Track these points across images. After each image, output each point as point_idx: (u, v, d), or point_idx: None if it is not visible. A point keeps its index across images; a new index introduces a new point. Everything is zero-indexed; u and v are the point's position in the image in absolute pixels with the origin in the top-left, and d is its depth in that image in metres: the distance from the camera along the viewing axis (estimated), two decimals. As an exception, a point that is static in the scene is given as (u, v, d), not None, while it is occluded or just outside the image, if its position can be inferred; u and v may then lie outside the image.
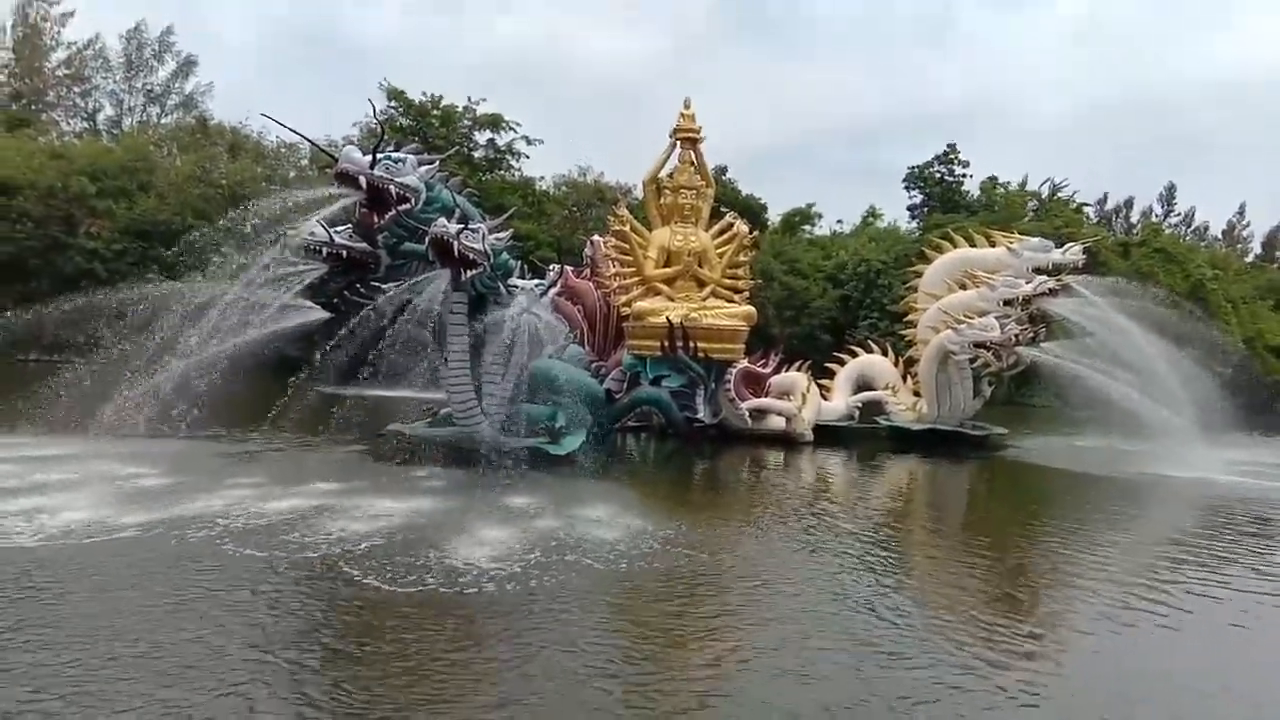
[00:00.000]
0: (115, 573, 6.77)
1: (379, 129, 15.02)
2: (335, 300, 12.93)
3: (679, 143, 20.60)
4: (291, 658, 5.30)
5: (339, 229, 12.58)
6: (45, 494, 9.11)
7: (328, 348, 11.86)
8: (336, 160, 12.59)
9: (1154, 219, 68.94)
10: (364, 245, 12.70)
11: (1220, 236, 72.69)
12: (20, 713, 4.39)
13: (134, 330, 11.80)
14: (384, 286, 12.39)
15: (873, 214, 52.43)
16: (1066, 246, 19.24)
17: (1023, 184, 50.08)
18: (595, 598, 6.78)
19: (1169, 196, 72.09)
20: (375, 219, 12.48)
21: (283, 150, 40.18)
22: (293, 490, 10.07)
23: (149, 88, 50.64)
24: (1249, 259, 67.49)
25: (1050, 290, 18.21)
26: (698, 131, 20.49)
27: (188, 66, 51.15)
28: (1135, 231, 61.95)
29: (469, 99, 43.00)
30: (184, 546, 7.52)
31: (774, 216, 50.01)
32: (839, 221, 52.64)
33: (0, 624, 5.56)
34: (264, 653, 5.33)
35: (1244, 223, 75.31)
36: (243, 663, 5.15)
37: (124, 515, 8.44)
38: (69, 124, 48.13)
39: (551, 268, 22.28)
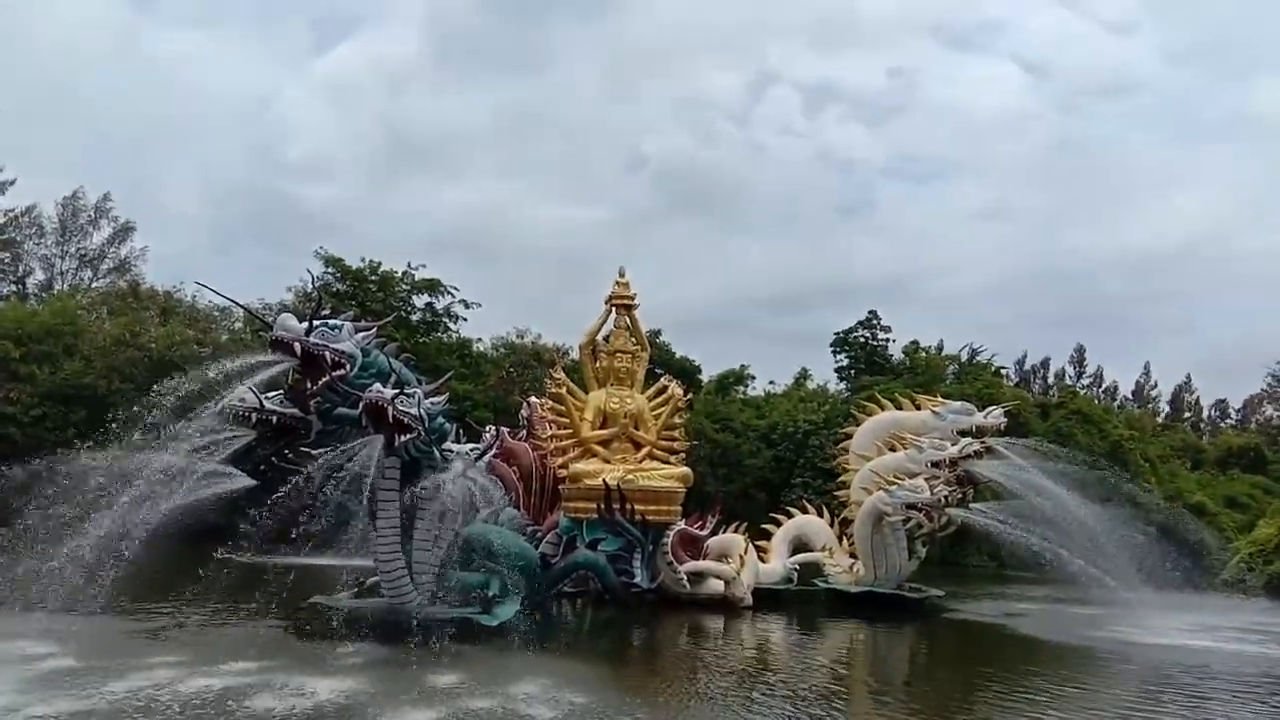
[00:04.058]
0: None
1: (315, 295, 15.15)
2: (262, 467, 12.63)
3: (614, 309, 21.13)
4: None
5: (270, 394, 12.44)
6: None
7: (253, 515, 11.51)
8: (270, 326, 12.60)
9: (1068, 379, 72.13)
10: (294, 410, 12.52)
11: (1130, 396, 76.11)
12: None
13: (49, 500, 11.31)
14: (314, 452, 12.16)
15: (804, 375, 53.72)
16: (988, 410, 19.87)
17: (940, 348, 52.15)
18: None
19: (1079, 358, 75.76)
20: (309, 384, 12.39)
21: (215, 314, 39.93)
22: (208, 670, 9.51)
23: (83, 252, 50.51)
24: (1160, 418, 70.51)
25: (975, 452, 18.67)
26: (632, 298, 21.08)
27: (124, 232, 51.27)
28: (1052, 390, 64.59)
29: (408, 264, 43.79)
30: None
31: (708, 377, 50.91)
32: (771, 382, 53.72)
33: None
34: None
35: (1151, 383, 79.26)
36: None
37: (42, 702, 7.89)
38: (-2, 287, 47.53)
39: (488, 429, 22.17)
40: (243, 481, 12.33)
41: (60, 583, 10.74)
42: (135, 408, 12.52)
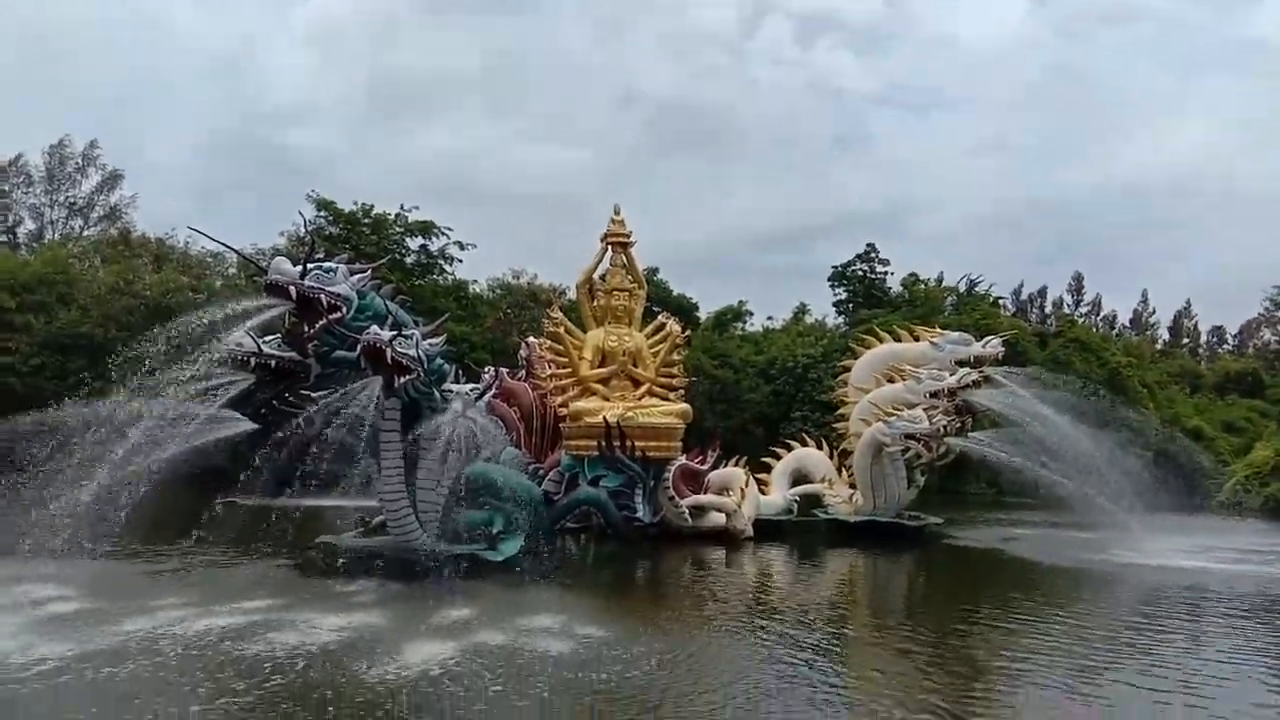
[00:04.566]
0: (70, 695, 6.50)
1: (308, 238, 15.00)
2: (263, 410, 12.66)
3: (610, 247, 20.98)
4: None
5: (268, 339, 12.41)
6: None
7: (255, 459, 11.57)
8: (265, 271, 12.52)
9: (1066, 308, 72.10)
10: (293, 354, 12.52)
11: (1129, 324, 76.17)
12: None
13: (54, 447, 11.34)
14: (314, 395, 12.20)
15: (802, 310, 53.69)
16: (986, 339, 19.93)
17: (939, 279, 52.01)
18: (545, 707, 6.58)
19: (1078, 286, 75.65)
20: (306, 328, 12.35)
21: (209, 260, 39.71)
22: (218, 609, 9.66)
23: (72, 201, 49.98)
24: (1158, 345, 70.69)
25: (974, 382, 18.76)
26: (628, 236, 20.92)
27: (112, 180, 50.71)
28: (1050, 320, 64.62)
29: (401, 207, 43.38)
30: (111, 672, 7.11)
31: (705, 314, 50.87)
32: (769, 318, 53.74)
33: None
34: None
35: (1149, 310, 79.27)
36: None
37: (47, 644, 7.96)
38: (-13, 237, 47.16)
39: (487, 370, 22.20)
40: (244, 425, 12.37)
41: (66, 528, 10.84)
42: (133, 355, 12.49)
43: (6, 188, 48.29)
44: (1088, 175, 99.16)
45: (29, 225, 49.28)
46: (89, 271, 36.46)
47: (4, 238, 47.69)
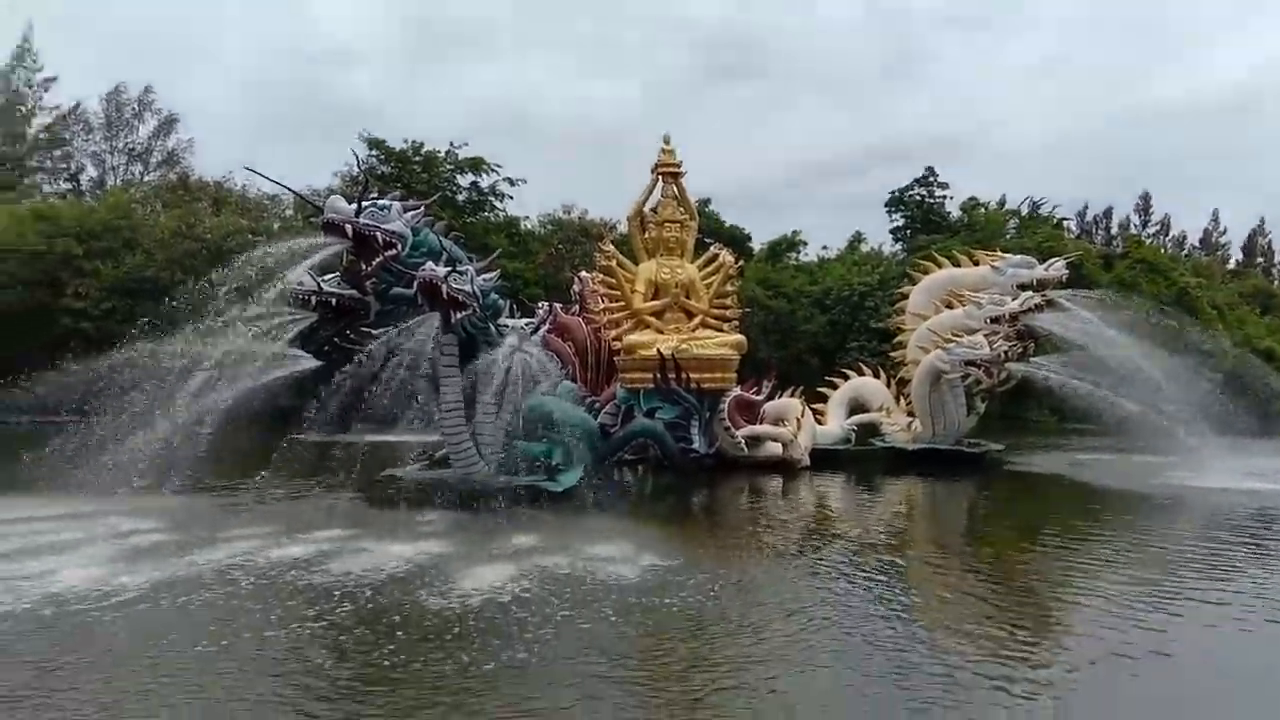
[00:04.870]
0: (141, 625, 6.77)
1: (361, 177, 15.10)
2: (326, 348, 12.93)
3: (661, 178, 20.72)
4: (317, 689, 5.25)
5: (327, 277, 12.61)
6: (48, 555, 8.95)
7: (321, 395, 11.84)
8: (321, 210, 12.66)
9: (1132, 229, 69.75)
10: (352, 292, 12.71)
11: (1198, 245, 73.49)
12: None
13: (126, 388, 11.74)
14: (374, 332, 12.40)
15: (858, 239, 52.81)
16: (1049, 262, 19.41)
17: (1001, 203, 50.58)
18: (615, 633, 6.73)
19: (1145, 207, 73.07)
20: (364, 266, 12.51)
21: (266, 202, 40.31)
22: (297, 538, 10.01)
23: (131, 147, 50.93)
24: (1229, 265, 68.20)
25: (1036, 306, 18.33)
26: (679, 166, 20.63)
27: (169, 124, 51.53)
28: (1115, 241, 62.62)
29: (451, 144, 43.36)
30: (198, 597, 7.45)
31: (758, 245, 50.30)
32: (824, 247, 52.98)
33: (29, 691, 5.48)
34: (291, 686, 5.30)
35: (1220, 230, 76.32)
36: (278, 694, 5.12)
37: (132, 573, 8.33)
38: (52, 185, 48.32)
39: (540, 305, 22.30)
40: (308, 363, 12.64)
41: (144, 465, 11.28)
42: (198, 296, 12.80)
43: (68, 136, 49.26)
44: (1156, 93, 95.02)
45: (91, 172, 50.48)
46: (151, 216, 37.27)
47: (69, 186, 48.86)
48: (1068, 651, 6.48)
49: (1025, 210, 49.04)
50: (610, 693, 5.56)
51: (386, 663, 6.00)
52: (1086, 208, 69.91)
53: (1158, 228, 72.44)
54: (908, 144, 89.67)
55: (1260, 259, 75.32)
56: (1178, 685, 5.94)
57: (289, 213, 38.50)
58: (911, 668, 5.99)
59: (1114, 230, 70.31)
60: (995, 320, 18.37)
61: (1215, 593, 8.25)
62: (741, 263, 23.43)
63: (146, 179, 49.08)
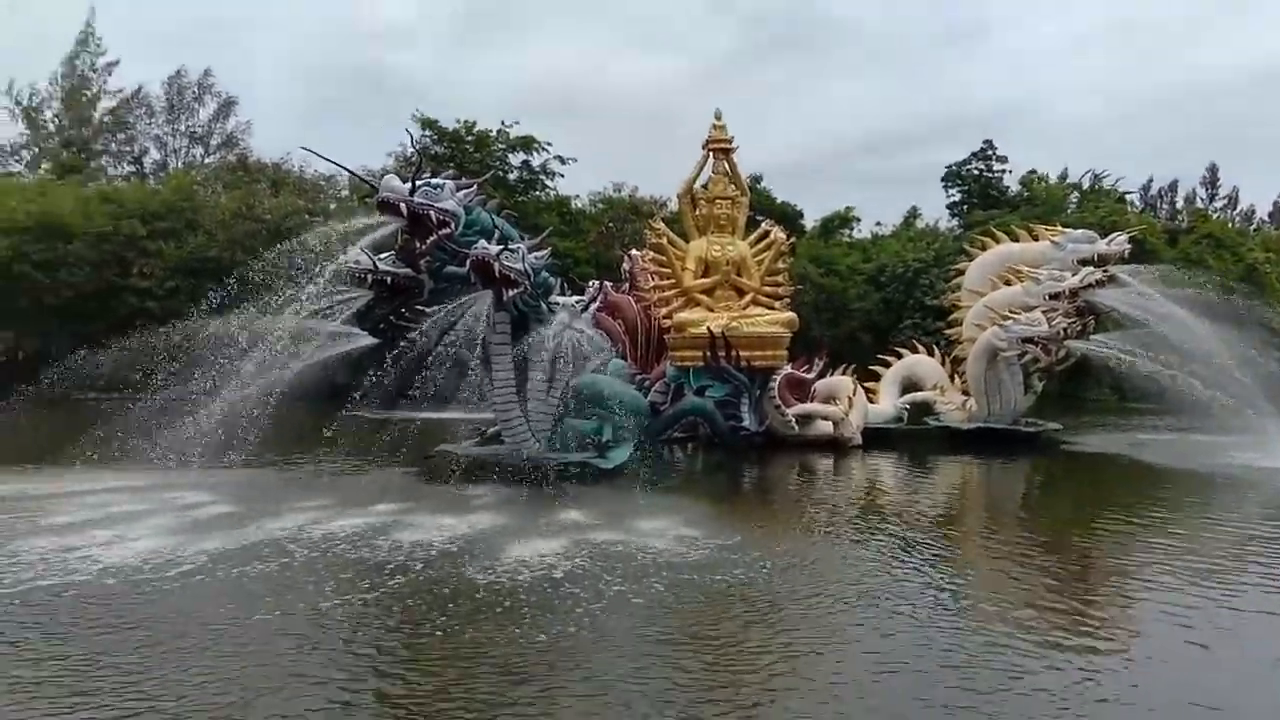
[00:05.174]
0: (207, 592, 7.02)
1: (415, 157, 15.26)
2: (381, 326, 13.15)
3: (712, 154, 20.58)
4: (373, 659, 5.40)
5: (382, 255, 12.80)
6: (114, 526, 9.29)
7: (376, 373, 12.06)
8: (376, 190, 12.84)
9: (1199, 203, 67.52)
10: (407, 270, 12.90)
11: (1268, 218, 70.86)
12: None
13: (188, 365, 12.09)
14: (428, 310, 12.57)
15: (913, 215, 51.93)
16: (1111, 237, 18.92)
17: (1063, 176, 49.32)
18: (666, 609, 6.78)
19: (1212, 179, 70.51)
20: (418, 244, 12.68)
21: (322, 183, 40.90)
22: (353, 511, 10.24)
23: (191, 129, 51.97)
24: (1302, 239, 65.72)
25: (1097, 282, 17.88)
26: (730, 142, 20.47)
27: (227, 107, 52.41)
28: (1180, 215, 60.68)
29: (502, 123, 43.54)
30: (243, 571, 7.65)
31: (811, 222, 49.78)
32: (878, 224, 52.19)
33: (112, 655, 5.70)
34: (347, 654, 5.46)
35: (1291, 202, 73.45)
36: (332, 664, 5.28)
37: (200, 541, 8.62)
38: (116, 168, 49.60)
39: (590, 284, 22.37)
40: (365, 340, 12.88)
41: (207, 439, 11.61)
42: (258, 275, 13.11)
43: (131, 120, 50.44)
44: (1223, 58, 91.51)
45: (154, 155, 51.58)
46: (212, 198, 38.06)
47: (133, 168, 50.09)
48: (1128, 634, 6.39)
49: (1087, 184, 47.74)
50: (661, 668, 5.62)
51: (439, 633, 6.13)
52: (1151, 181, 67.72)
53: (1225, 201, 69.99)
54: (966, 116, 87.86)
55: (1335, 233, 72.57)
56: (1242, 669, 5.81)
57: (345, 193, 39.04)
58: (966, 650, 5.96)
59: (1179, 204, 68.10)
60: (1054, 297, 17.94)
61: (1273, 577, 8.05)
62: (793, 240, 23.22)
63: (207, 161, 50.10)
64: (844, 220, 50.80)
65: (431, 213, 12.39)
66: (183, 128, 51.70)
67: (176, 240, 34.85)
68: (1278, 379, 17.35)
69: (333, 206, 36.27)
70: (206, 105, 52.24)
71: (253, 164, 43.08)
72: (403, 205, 12.29)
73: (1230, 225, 53.52)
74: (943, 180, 50.05)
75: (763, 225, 21.25)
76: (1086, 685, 5.32)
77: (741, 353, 17.69)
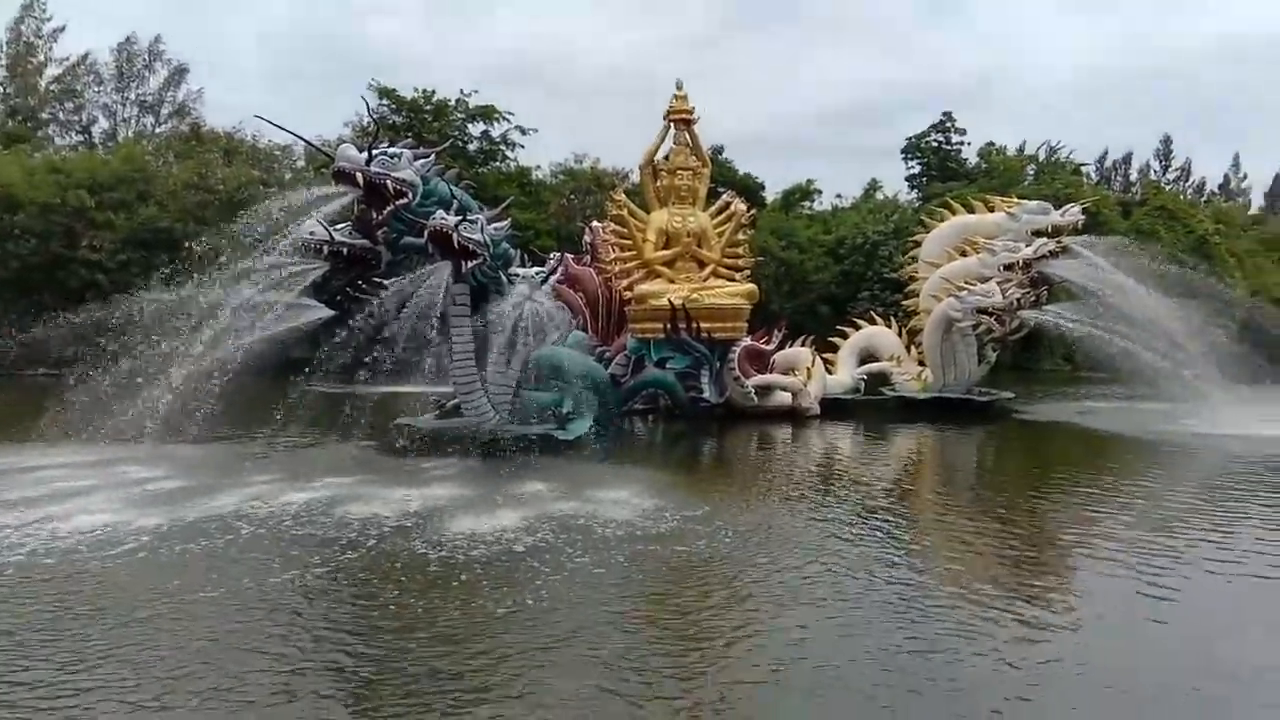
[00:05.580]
0: (156, 565, 6.95)
1: (372, 126, 15.03)
2: (338, 298, 12.99)
3: (673, 125, 20.53)
4: (325, 633, 5.41)
5: (339, 226, 12.62)
6: (62, 501, 9.12)
7: (332, 346, 11.92)
8: (332, 159, 12.64)
9: (1152, 174, 68.67)
10: (364, 242, 12.73)
11: (1218, 190, 72.30)
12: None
13: (140, 339, 11.87)
14: (386, 282, 12.44)
15: (873, 187, 52.26)
16: (1065, 208, 19.24)
17: (1020, 149, 49.93)
18: (626, 579, 6.84)
19: (1165, 151, 71.72)
20: (375, 215, 12.52)
21: (277, 153, 40.17)
22: (308, 484, 10.17)
23: (142, 98, 50.63)
24: (1251, 211, 67.19)
25: (1051, 253, 18.19)
26: (691, 113, 20.41)
27: (179, 75, 51.10)
28: (1134, 187, 61.71)
29: (461, 92, 43.01)
30: (193, 546, 7.56)
31: (772, 195, 49.88)
32: (838, 196, 52.48)
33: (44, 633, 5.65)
34: (297, 629, 5.47)
35: (1240, 175, 75.08)
36: (273, 637, 5.29)
37: (148, 516, 8.51)
38: (64, 138, 48.25)
39: (551, 256, 22.27)
40: (321, 312, 12.71)
41: (159, 413, 11.44)
42: (211, 246, 12.87)
43: (79, 87, 49.03)
44: (1190, 29, 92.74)
45: (103, 124, 50.24)
46: (164, 168, 37.24)
47: (81, 138, 48.75)
48: (1077, 596, 6.57)
49: (1043, 156, 48.37)
50: (621, 636, 5.67)
51: (392, 607, 6.11)
52: (1106, 153, 68.86)
53: (1178, 173, 71.31)
54: (933, 88, 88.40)
55: (1283, 205, 74.22)
56: (1191, 628, 6.01)
57: (300, 163, 38.43)
58: (921, 613, 6.09)
59: (1133, 176, 69.27)
60: (1008, 267, 18.25)
61: (1223, 538, 8.32)
62: (754, 212, 23.31)
63: (158, 130, 48.94)
64: (805, 193, 51.01)
65: (388, 182, 12.21)
66: (133, 96, 50.42)
67: (127, 211, 34.06)
68: (1225, 349, 17.86)
69: (288, 177, 35.66)
70: (157, 73, 50.96)
71: (206, 133, 42.18)
72: (359, 175, 12.10)
73: (1182, 197, 54.55)
74: (902, 152, 50.51)
75: (723, 197, 21.27)
76: (1038, 646, 5.47)
77: (702, 325, 17.76)
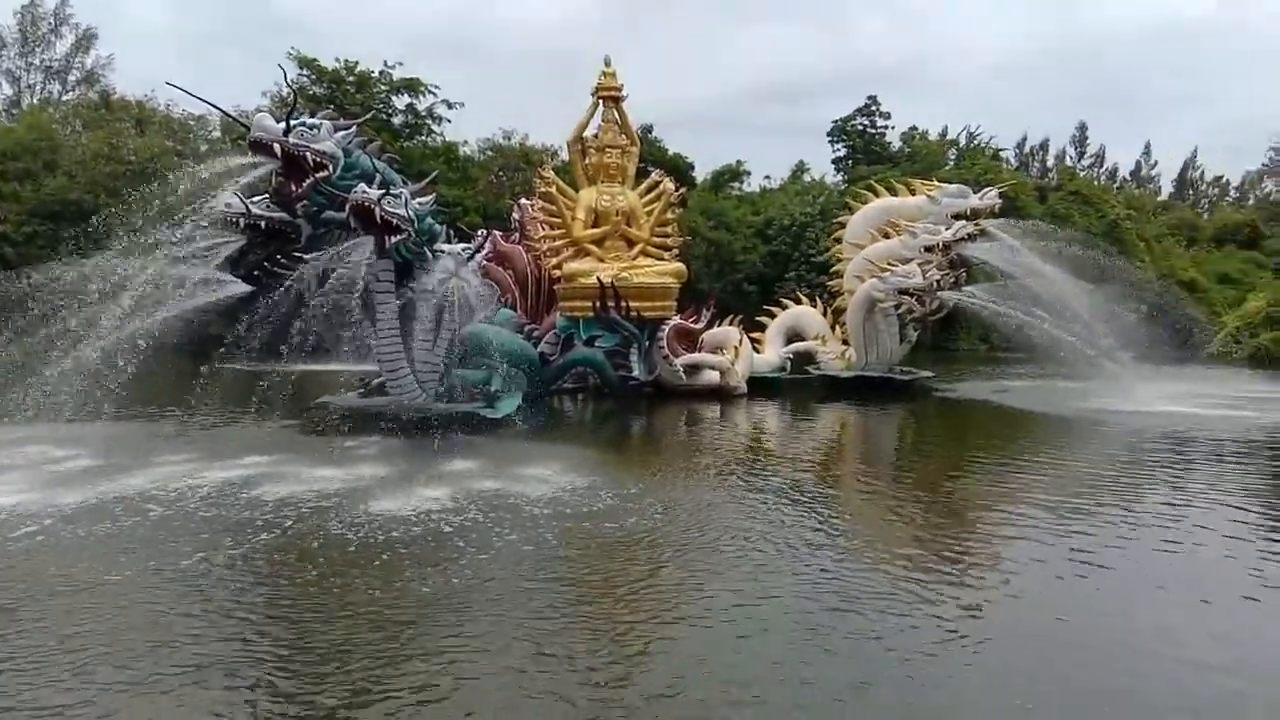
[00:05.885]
0: (63, 550, 6.70)
1: (291, 97, 14.57)
2: (256, 272, 12.61)
3: (602, 102, 20.41)
4: (240, 615, 5.29)
5: (256, 199, 12.24)
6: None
7: (250, 322, 11.58)
8: (249, 129, 12.26)
9: (1069, 161, 70.93)
10: (283, 215, 12.38)
11: (1129, 177, 75.08)
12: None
13: (49, 314, 11.38)
14: (306, 257, 12.13)
15: (801, 168, 52.77)
16: (983, 192, 19.72)
17: (943, 133, 51.01)
18: (554, 557, 6.83)
19: (1081, 137, 74.20)
20: (294, 188, 12.17)
21: (192, 122, 38.72)
22: (224, 464, 9.93)
23: (48, 64, 48.38)
24: (1160, 197, 69.97)
25: (969, 235, 18.66)
26: (620, 90, 20.31)
27: (87, 40, 48.91)
28: (1051, 173, 63.62)
29: (385, 63, 42.02)
30: (103, 528, 7.33)
31: (702, 175, 50.01)
32: (767, 177, 52.87)
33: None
34: (209, 612, 5.35)
35: (1151, 162, 78.07)
36: (184, 618, 5.14)
37: (58, 497, 8.25)
38: (-37, 105, 45.87)
39: (479, 233, 22.00)
40: (237, 288, 12.33)
41: (67, 391, 11.01)
42: (123, 218, 12.37)
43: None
44: (1113, 13, 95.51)
45: (6, 91, 47.91)
46: (72, 137, 35.66)
47: (-19, 104, 46.38)
48: (994, 565, 6.79)
49: (964, 141, 49.49)
50: (549, 613, 5.65)
51: (312, 589, 6.00)
52: (1025, 139, 70.89)
53: (1093, 160, 73.86)
54: (860, 69, 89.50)
55: (1192, 191, 77.36)
56: (1101, 592, 6.26)
57: (216, 134, 37.17)
58: (847, 585, 6.22)
59: (1050, 162, 71.44)
60: (929, 249, 18.68)
61: (1132, 508, 8.69)
62: (683, 191, 23.37)
63: (65, 98, 46.76)
64: (734, 174, 51.26)
65: (308, 154, 11.88)
66: (37, 61, 48.10)
67: (33, 182, 32.57)
68: (1133, 329, 18.61)
69: (204, 148, 34.43)
70: (64, 38, 48.68)
71: (116, 101, 40.42)
72: (276, 146, 11.76)
73: (1096, 183, 56.45)
74: (828, 135, 51.08)
75: (652, 175, 21.27)
76: (965, 618, 5.62)
77: (631, 303, 17.77)
